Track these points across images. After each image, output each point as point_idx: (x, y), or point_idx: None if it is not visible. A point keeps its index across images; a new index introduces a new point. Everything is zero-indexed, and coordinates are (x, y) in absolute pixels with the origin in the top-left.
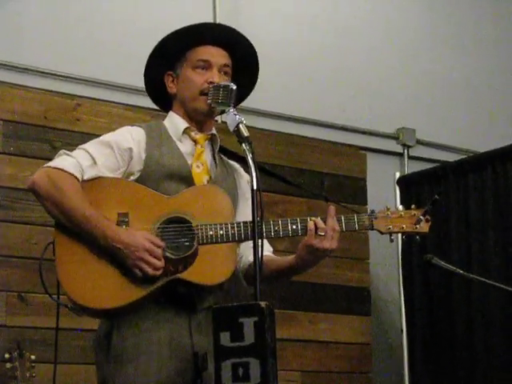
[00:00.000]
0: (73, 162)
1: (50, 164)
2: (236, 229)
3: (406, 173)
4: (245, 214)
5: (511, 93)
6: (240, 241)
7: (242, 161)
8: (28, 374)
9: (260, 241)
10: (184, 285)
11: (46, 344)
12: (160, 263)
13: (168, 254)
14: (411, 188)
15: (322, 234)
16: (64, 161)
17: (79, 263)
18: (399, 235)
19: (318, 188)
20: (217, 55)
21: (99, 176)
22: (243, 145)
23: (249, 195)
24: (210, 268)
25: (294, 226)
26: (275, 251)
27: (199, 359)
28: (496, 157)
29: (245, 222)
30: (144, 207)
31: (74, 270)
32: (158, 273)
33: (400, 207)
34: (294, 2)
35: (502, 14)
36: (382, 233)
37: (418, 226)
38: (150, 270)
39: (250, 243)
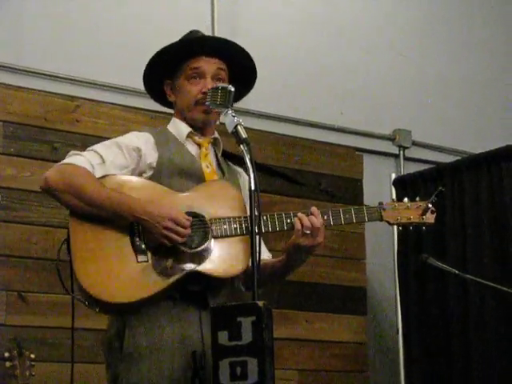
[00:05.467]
0: (83, 159)
1: (61, 162)
2: (250, 222)
3: (402, 174)
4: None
5: (506, 94)
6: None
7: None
8: (28, 373)
9: (258, 240)
10: (199, 280)
11: (45, 343)
12: (186, 231)
13: (183, 248)
14: (407, 189)
15: (308, 232)
16: (74, 158)
17: (95, 257)
18: (395, 236)
19: (315, 188)
20: (209, 63)
21: (110, 174)
22: (241, 146)
23: None
24: (225, 261)
25: (288, 220)
26: (274, 251)
27: (197, 357)
28: (491, 158)
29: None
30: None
31: (91, 264)
32: (184, 239)
33: (406, 200)
34: (291, 4)
35: (498, 14)
36: (390, 224)
37: (424, 216)
38: (178, 239)
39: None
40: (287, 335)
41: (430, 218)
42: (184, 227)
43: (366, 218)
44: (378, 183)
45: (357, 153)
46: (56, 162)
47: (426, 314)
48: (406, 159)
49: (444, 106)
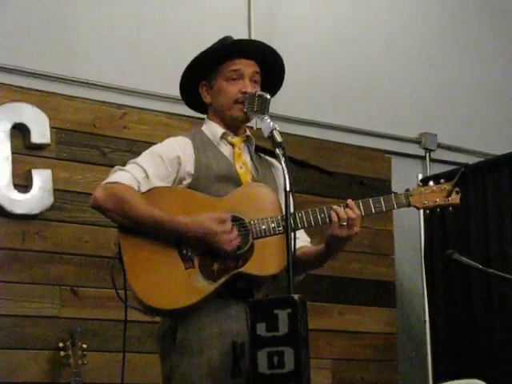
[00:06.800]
0: (128, 175)
1: (107, 180)
2: (285, 221)
3: (428, 175)
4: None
5: None
6: (291, 231)
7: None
8: (80, 362)
9: (293, 238)
10: (244, 279)
11: (96, 334)
12: (233, 235)
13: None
14: None
15: (344, 223)
16: (120, 175)
17: (146, 268)
18: (422, 233)
19: (346, 189)
20: (246, 65)
21: (154, 187)
22: (277, 150)
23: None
24: (267, 260)
25: (322, 215)
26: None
27: (237, 348)
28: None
29: (293, 214)
30: (199, 210)
31: (143, 275)
32: (237, 242)
33: (431, 183)
34: (324, 9)
35: None
36: (418, 208)
37: (449, 198)
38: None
39: (297, 233)
40: (322, 326)
41: (456, 198)
42: (229, 232)
43: (395, 206)
44: (405, 183)
45: (385, 155)
46: (105, 165)
47: (452, 306)
48: (432, 161)
49: (468, 109)
